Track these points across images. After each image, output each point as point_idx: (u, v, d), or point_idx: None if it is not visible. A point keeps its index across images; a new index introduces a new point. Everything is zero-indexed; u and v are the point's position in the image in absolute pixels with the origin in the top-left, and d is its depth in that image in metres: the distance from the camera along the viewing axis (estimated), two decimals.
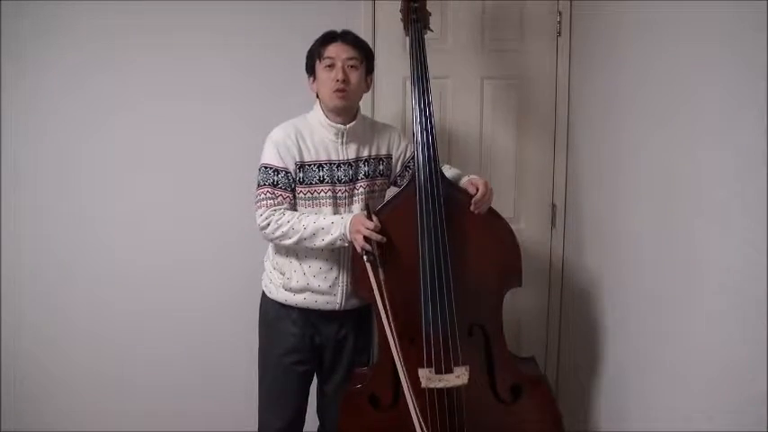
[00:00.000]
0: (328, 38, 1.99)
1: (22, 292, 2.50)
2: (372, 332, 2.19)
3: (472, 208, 1.91)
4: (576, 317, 2.51)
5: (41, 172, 2.46)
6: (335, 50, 1.96)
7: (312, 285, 2.01)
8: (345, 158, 2.01)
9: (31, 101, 2.42)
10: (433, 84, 2.45)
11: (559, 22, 2.51)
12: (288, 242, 1.95)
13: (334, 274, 2.01)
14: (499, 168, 2.58)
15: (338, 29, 2.01)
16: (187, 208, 2.52)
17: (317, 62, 1.99)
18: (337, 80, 1.93)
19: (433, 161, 1.90)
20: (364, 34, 2.35)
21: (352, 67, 1.97)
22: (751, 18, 1.38)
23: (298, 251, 2.00)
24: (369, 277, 1.83)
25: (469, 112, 2.56)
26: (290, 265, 2.02)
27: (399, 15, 2.12)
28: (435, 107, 2.46)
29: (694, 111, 1.64)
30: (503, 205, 2.56)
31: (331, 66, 1.96)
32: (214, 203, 2.51)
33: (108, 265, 2.52)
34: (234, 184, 2.27)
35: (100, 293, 2.53)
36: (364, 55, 2.01)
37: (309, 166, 1.98)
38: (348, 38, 1.99)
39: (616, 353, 2.14)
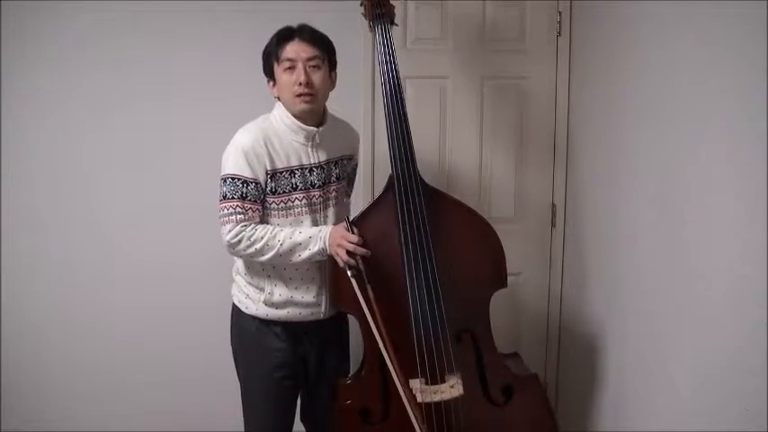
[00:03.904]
0: (284, 36, 1.82)
1: (22, 292, 2.49)
2: (349, 339, 2.12)
3: None
4: (575, 317, 2.51)
5: (41, 171, 2.45)
6: (294, 50, 1.80)
7: (295, 299, 1.91)
8: (317, 161, 1.89)
9: (30, 100, 2.41)
10: (432, 84, 2.48)
11: (559, 22, 2.51)
12: (262, 259, 1.83)
13: (316, 284, 1.92)
14: (499, 168, 2.57)
15: (294, 24, 1.88)
16: (187, 207, 2.51)
17: (275, 64, 1.84)
18: (300, 83, 1.79)
19: (410, 163, 1.83)
20: (364, 34, 2.34)
21: (314, 66, 1.81)
22: (751, 18, 1.38)
23: (275, 264, 1.88)
24: (353, 291, 1.76)
25: (469, 111, 2.55)
26: (270, 279, 1.91)
27: (361, 9, 1.99)
28: (435, 107, 2.50)
29: (694, 111, 1.64)
30: (503, 205, 2.59)
31: (291, 68, 1.81)
32: (214, 202, 2.50)
33: (107, 265, 2.52)
34: None
35: (99, 293, 2.52)
36: (326, 51, 1.85)
37: (281, 173, 1.85)
38: (306, 34, 1.82)
39: (616, 353, 2.14)
